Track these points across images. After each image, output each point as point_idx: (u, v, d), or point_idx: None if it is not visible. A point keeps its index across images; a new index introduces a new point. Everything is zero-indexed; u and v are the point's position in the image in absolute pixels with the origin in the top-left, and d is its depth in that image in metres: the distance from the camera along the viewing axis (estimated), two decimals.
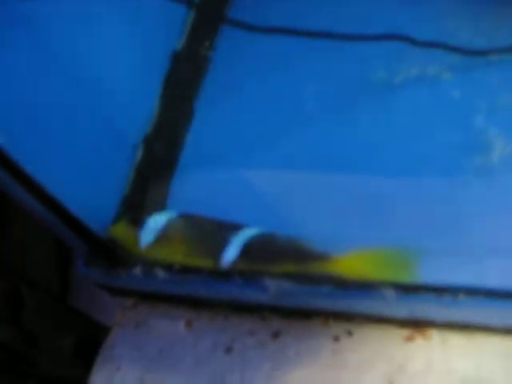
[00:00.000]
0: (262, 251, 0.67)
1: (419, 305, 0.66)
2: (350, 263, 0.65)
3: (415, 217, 0.70)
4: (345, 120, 0.78)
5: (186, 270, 0.70)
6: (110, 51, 0.76)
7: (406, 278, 0.65)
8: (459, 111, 0.76)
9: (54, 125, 0.69)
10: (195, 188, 0.77)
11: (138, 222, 0.71)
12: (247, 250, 0.67)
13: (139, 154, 0.80)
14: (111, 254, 0.72)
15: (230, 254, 0.67)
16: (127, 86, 0.76)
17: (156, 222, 0.70)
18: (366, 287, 0.66)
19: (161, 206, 0.76)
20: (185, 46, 0.86)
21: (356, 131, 0.77)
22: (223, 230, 0.68)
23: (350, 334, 0.70)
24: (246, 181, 0.75)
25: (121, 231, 0.72)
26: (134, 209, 0.75)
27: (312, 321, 0.71)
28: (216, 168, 0.77)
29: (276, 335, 0.72)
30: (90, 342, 0.83)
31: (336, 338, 0.70)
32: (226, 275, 0.69)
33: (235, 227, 0.68)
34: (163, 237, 0.70)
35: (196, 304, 0.74)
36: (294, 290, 0.67)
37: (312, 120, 0.78)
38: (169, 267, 0.70)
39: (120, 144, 0.77)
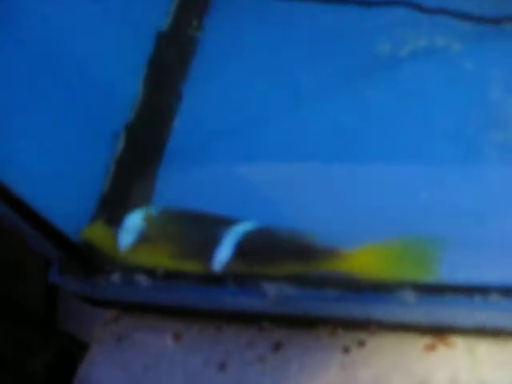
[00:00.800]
0: (259, 249, 0.63)
1: (443, 308, 0.60)
2: (362, 260, 0.61)
3: (432, 204, 0.66)
4: (347, 99, 0.74)
5: (171, 275, 0.65)
6: (89, 32, 0.73)
7: (425, 275, 0.60)
8: (473, 84, 0.72)
9: (21, 107, 0.66)
10: (184, 181, 0.73)
11: (115, 220, 0.67)
12: (242, 249, 0.63)
13: (120, 143, 0.76)
14: (86, 259, 0.67)
15: (223, 254, 0.63)
16: (107, 69, 0.74)
17: (136, 219, 0.66)
18: (380, 289, 0.60)
19: (145, 203, 0.72)
20: (171, 27, 0.84)
21: (360, 112, 0.74)
22: (214, 226, 0.64)
23: (361, 344, 0.65)
24: (240, 172, 0.72)
25: (96, 233, 0.67)
26: (113, 206, 0.71)
27: (318, 330, 0.67)
28: (207, 158, 0.74)
29: (277, 348, 0.67)
30: (67, 362, 0.80)
31: (346, 350, 0.66)
32: (218, 280, 0.64)
33: (227, 222, 0.64)
34: (144, 237, 0.65)
35: (185, 314, 0.70)
36: (297, 295, 0.62)
37: (310, 100, 0.75)
38: (152, 273, 0.66)
39: (99, 133, 0.73)
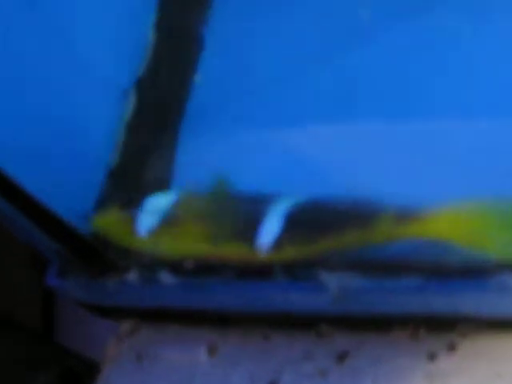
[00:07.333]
0: (312, 220, 0.62)
1: None
2: (444, 225, 0.59)
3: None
4: (392, 43, 0.73)
5: (202, 269, 0.65)
6: None
7: None
8: None
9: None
10: (210, 149, 0.73)
11: (130, 202, 0.67)
12: (292, 222, 0.62)
13: (130, 104, 0.76)
14: (94, 253, 0.67)
15: (270, 228, 0.62)
16: (109, 13, 0.75)
17: (160, 201, 0.66)
18: (477, 271, 0.58)
19: (164, 178, 0.72)
20: None
21: (403, 59, 0.72)
22: (256, 203, 0.63)
23: (452, 348, 0.64)
24: (278, 137, 0.71)
25: (110, 218, 0.67)
26: (126, 184, 0.71)
27: (394, 333, 0.66)
28: (238, 120, 0.73)
29: (342, 358, 0.66)
30: None
31: (432, 356, 0.64)
32: (262, 272, 0.63)
33: (271, 198, 0.64)
34: (172, 218, 0.65)
35: (222, 321, 0.70)
36: (366, 287, 0.61)
37: (343, 51, 0.74)
38: (178, 267, 0.65)
39: (102, 91, 0.73)
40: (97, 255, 0.67)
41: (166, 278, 0.65)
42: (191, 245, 0.65)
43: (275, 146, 0.71)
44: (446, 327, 0.64)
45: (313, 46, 0.76)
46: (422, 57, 0.73)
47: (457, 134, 0.68)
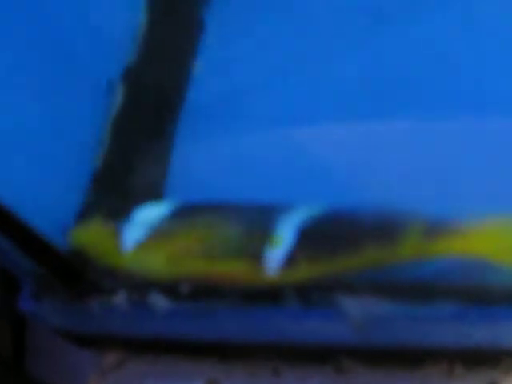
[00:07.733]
0: (331, 234, 0.59)
1: None
2: (486, 241, 0.56)
3: None
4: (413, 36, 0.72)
5: (201, 291, 0.61)
6: None
7: None
8: None
9: None
10: (212, 152, 0.71)
11: (120, 213, 0.63)
12: (308, 235, 0.58)
13: (117, 97, 0.73)
14: (74, 273, 0.63)
15: (281, 244, 0.58)
16: None
17: (151, 211, 0.62)
18: None
19: (157, 186, 0.69)
20: None
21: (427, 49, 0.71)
22: (265, 213, 0.60)
23: None
24: (291, 137, 0.70)
25: (93, 231, 0.64)
26: (113, 192, 0.69)
27: (426, 369, 0.63)
28: (244, 117, 0.71)
29: None
30: None
31: None
32: (272, 295, 0.60)
33: (282, 209, 0.60)
34: (165, 231, 0.61)
35: (224, 353, 0.68)
36: (393, 314, 0.58)
37: (359, 41, 0.73)
38: (173, 290, 0.61)
39: (86, 83, 0.70)
40: (76, 274, 0.63)
41: (158, 301, 0.62)
42: (188, 263, 0.61)
43: (284, 149, 0.69)
44: (487, 363, 0.63)
45: (325, 35, 0.75)
46: (442, 51, 0.71)
47: (495, 135, 0.66)
